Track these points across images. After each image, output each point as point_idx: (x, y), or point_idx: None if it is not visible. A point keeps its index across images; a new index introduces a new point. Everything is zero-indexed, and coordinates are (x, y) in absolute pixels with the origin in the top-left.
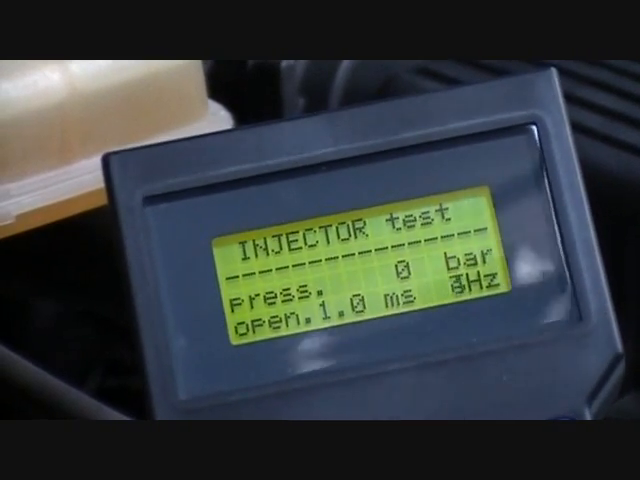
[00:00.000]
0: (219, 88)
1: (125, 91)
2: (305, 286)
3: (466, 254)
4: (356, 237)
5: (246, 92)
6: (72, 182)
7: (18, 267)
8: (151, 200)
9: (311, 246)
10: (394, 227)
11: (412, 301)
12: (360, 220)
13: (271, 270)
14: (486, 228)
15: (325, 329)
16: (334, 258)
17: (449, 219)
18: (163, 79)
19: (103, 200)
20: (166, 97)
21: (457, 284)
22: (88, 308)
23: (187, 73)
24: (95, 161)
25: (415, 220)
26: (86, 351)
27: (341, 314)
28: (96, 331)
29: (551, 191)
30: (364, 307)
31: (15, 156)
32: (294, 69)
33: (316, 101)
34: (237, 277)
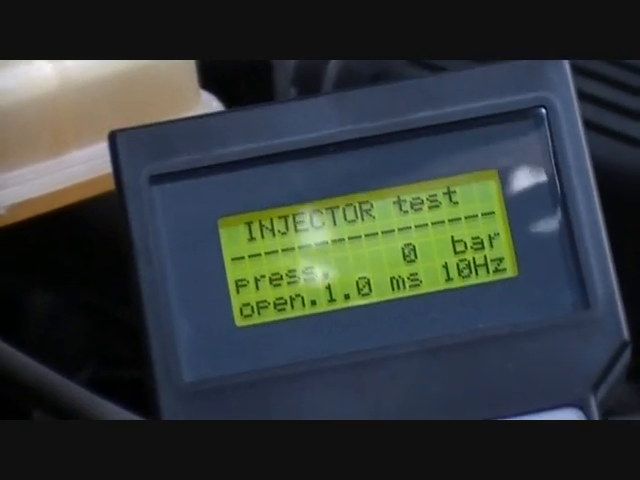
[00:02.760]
0: (211, 78)
1: (117, 81)
2: (311, 268)
3: (473, 238)
4: (363, 219)
5: (238, 82)
6: (65, 173)
7: (12, 258)
8: (157, 179)
9: (317, 228)
10: (401, 210)
11: (418, 284)
12: (367, 202)
13: (277, 251)
14: (494, 212)
15: (331, 312)
16: (340, 240)
17: (457, 202)
18: (155, 69)
19: (96, 190)
20: (158, 87)
21: (464, 268)
22: (82, 300)
23: (179, 63)
24: (88, 151)
25: (422, 203)
26: (80, 343)
27: (347, 297)
28: (90, 323)
29: (560, 175)
30: (370, 290)
31: (7, 147)
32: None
33: (309, 91)
34: (243, 258)
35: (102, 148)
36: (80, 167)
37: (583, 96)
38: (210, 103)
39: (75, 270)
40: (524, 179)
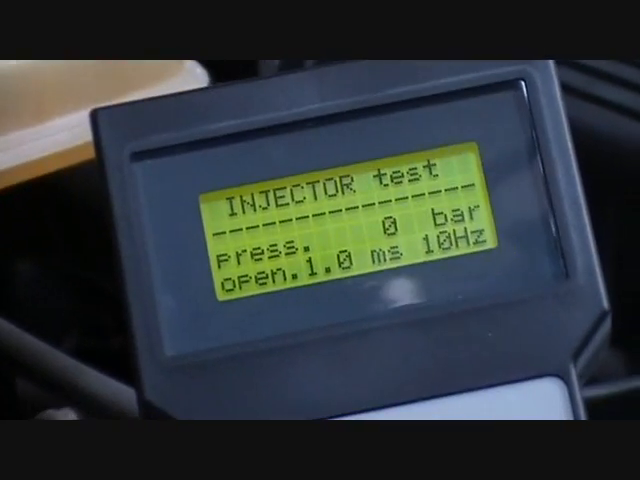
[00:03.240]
0: None
1: None
2: (292, 242)
3: (453, 210)
4: (343, 193)
5: None
6: (48, 140)
7: None
8: (139, 156)
9: (298, 202)
10: (381, 183)
11: (399, 257)
12: (348, 176)
13: (258, 226)
14: (474, 184)
15: (311, 285)
16: (321, 214)
17: (437, 175)
18: None
19: (80, 157)
20: None
21: (444, 240)
22: (67, 268)
23: None
24: (71, 119)
25: (403, 176)
26: (64, 311)
27: (328, 270)
28: (75, 291)
29: (539, 148)
30: (351, 263)
31: None
32: None
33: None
34: (224, 233)
35: (86, 115)
36: (64, 134)
37: (575, 65)
38: (193, 70)
39: (59, 238)
40: (504, 151)
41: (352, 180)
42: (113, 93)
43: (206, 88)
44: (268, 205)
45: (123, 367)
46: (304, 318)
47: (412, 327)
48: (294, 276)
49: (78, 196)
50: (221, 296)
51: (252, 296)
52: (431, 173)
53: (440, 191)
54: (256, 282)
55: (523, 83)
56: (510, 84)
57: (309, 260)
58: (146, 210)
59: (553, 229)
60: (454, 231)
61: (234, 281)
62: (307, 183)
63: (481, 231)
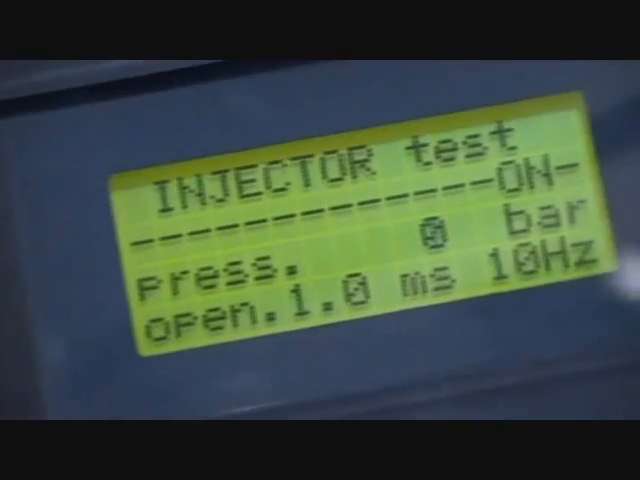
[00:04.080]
0: None
1: None
2: (267, 259)
3: (542, 208)
4: (355, 176)
5: None
6: None
7: None
8: (5, 107)
9: (278, 190)
10: (419, 160)
11: (449, 286)
12: (362, 147)
13: (209, 230)
14: (576, 164)
15: (300, 332)
16: (317, 212)
17: (514, 148)
18: None
19: None
20: None
21: (526, 258)
22: None
23: None
24: None
25: (456, 149)
26: None
27: (328, 307)
28: None
29: None
30: (367, 295)
31: None
32: None
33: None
34: (151, 242)
35: None
36: None
37: None
38: None
39: None
40: (626, 110)
41: (370, 154)
42: None
43: None
44: (226, 195)
45: None
46: (284, 389)
47: (469, 401)
48: (270, 316)
49: None
50: (145, 349)
51: (197, 350)
52: (504, 144)
53: (519, 175)
54: (205, 326)
55: None
56: None
57: (296, 290)
58: (18, 198)
59: None
60: (543, 243)
61: (168, 323)
62: (292, 159)
63: (589, 244)
